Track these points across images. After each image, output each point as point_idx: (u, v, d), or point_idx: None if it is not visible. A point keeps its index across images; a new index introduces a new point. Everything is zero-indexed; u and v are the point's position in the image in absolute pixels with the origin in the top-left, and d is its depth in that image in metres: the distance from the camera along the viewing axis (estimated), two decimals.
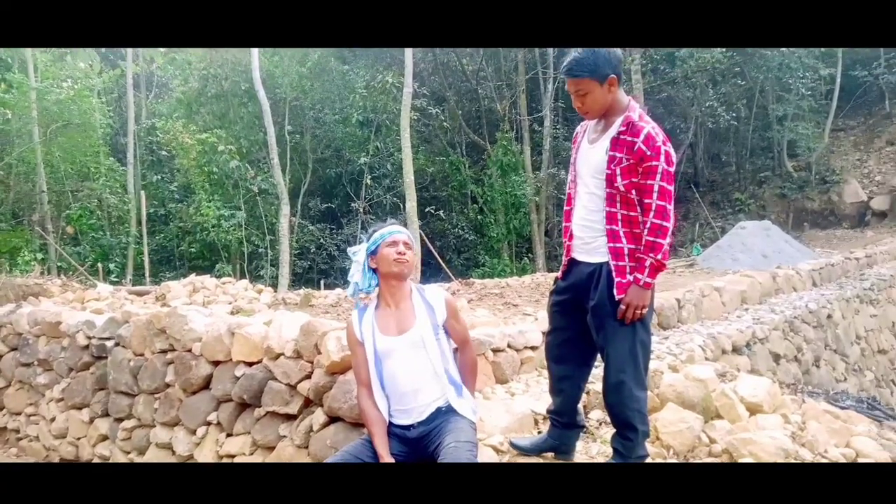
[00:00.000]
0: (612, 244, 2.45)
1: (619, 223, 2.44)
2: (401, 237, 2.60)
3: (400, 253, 2.55)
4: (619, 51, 2.48)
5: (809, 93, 19.62)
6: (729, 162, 23.72)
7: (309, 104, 20.13)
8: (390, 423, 2.54)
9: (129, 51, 19.69)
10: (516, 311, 6.68)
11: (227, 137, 18.16)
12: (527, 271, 17.21)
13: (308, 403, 3.30)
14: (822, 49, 18.71)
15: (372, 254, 2.59)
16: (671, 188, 2.38)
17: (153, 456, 4.09)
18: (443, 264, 15.42)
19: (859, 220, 20.10)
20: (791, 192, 21.07)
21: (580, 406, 2.81)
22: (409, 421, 2.52)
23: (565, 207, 2.74)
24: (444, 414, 2.50)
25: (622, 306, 2.40)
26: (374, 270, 2.60)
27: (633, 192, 2.40)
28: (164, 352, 4.20)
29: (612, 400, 2.50)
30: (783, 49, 18.05)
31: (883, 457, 3.03)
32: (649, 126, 2.39)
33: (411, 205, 13.41)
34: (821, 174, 20.96)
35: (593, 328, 2.50)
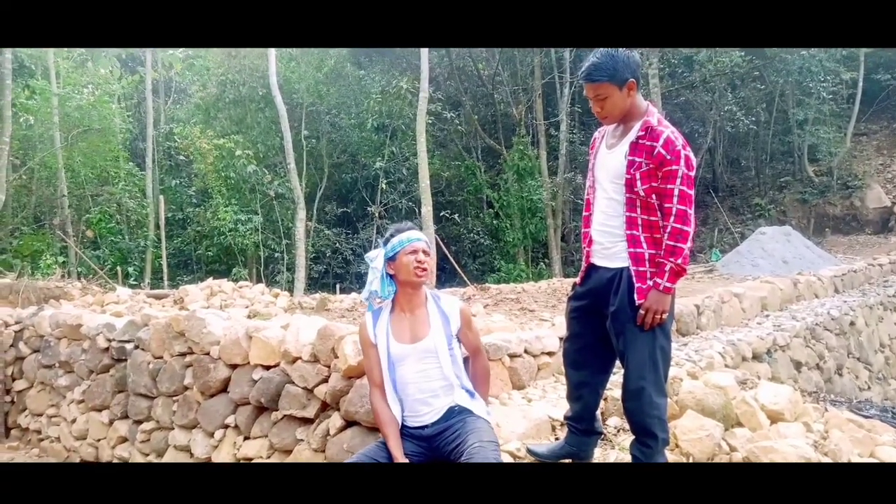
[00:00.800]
0: (632, 249, 2.43)
1: (640, 228, 2.43)
2: (420, 245, 2.57)
3: (419, 262, 2.54)
4: (636, 55, 2.46)
5: (830, 97, 19.35)
6: (748, 167, 23.45)
7: (325, 109, 20.26)
8: (403, 425, 2.55)
9: (149, 57, 19.97)
10: (533, 317, 6.64)
11: (244, 142, 18.33)
12: (543, 276, 17.13)
13: (325, 407, 3.31)
14: (844, 52, 18.47)
15: (390, 259, 2.56)
16: (691, 192, 2.36)
17: (171, 458, 4.12)
18: (458, 269, 15.39)
19: (882, 226, 19.75)
20: (812, 197, 20.77)
21: (598, 413, 2.78)
22: (423, 423, 2.52)
23: (584, 213, 2.73)
24: (459, 413, 2.51)
25: (641, 311, 2.38)
26: (392, 276, 2.58)
27: (653, 196, 2.39)
28: (182, 355, 4.24)
29: (632, 406, 2.47)
30: (803, 52, 17.83)
31: None
32: (668, 130, 2.38)
33: (427, 209, 13.42)
34: (843, 179, 20.64)
35: (613, 334, 2.47)
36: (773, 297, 7.16)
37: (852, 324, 7.47)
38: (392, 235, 2.61)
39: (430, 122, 16.42)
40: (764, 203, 21.43)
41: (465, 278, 14.36)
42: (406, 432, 2.54)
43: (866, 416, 4.21)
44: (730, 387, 3.14)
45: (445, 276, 16.88)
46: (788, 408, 2.98)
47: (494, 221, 19.08)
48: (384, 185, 19.09)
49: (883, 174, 21.19)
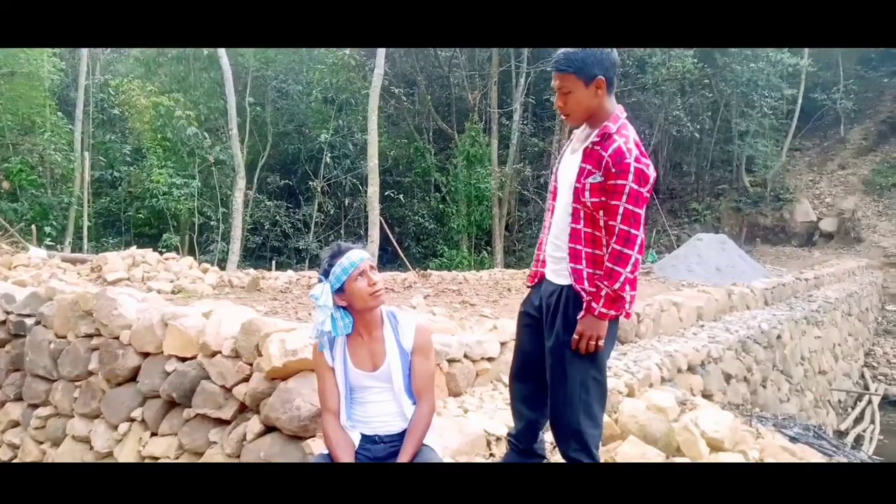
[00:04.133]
0: (573, 265, 2.24)
1: (583, 242, 2.22)
2: (365, 264, 2.24)
3: (373, 284, 2.23)
4: (614, 53, 2.23)
5: (771, 111, 20.05)
6: (689, 172, 24.13)
7: (272, 75, 19.45)
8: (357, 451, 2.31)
9: None
10: (473, 311, 6.49)
11: (185, 102, 17.36)
12: (485, 265, 17.09)
13: (243, 409, 3.03)
14: (790, 69, 19.10)
15: (338, 291, 2.23)
16: (640, 212, 2.11)
17: (68, 449, 3.74)
18: (400, 252, 15.14)
19: (808, 240, 20.74)
20: (746, 206, 21.59)
21: (542, 435, 2.61)
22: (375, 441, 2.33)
23: (547, 219, 2.52)
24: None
25: (575, 336, 2.20)
26: (345, 308, 2.27)
27: (601, 211, 2.17)
28: (88, 336, 3.85)
29: (563, 447, 2.32)
30: (752, 65, 18.34)
31: None
32: (622, 140, 2.13)
33: (373, 189, 13.05)
34: (775, 191, 21.54)
35: (547, 364, 2.32)
36: (709, 306, 7.27)
37: (779, 337, 7.68)
38: (330, 265, 2.24)
39: (382, 98, 15.97)
40: (701, 208, 22.12)
41: (407, 262, 14.12)
42: (360, 454, 2.30)
43: (792, 438, 4.28)
44: (670, 408, 3.06)
45: (387, 258, 16.58)
46: (728, 436, 2.92)
47: (441, 206, 18.89)
48: (328, 160, 18.52)
49: (812, 190, 22.24)
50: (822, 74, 22.46)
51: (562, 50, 2.21)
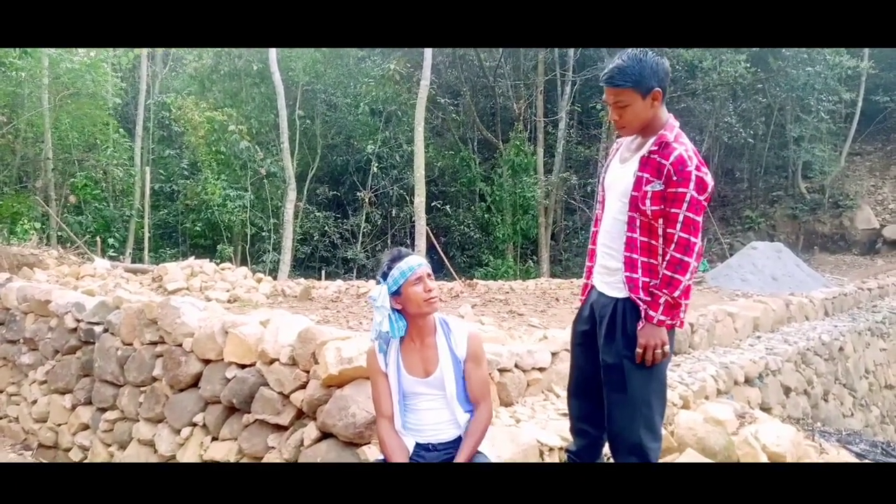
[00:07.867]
0: (628, 273, 2.24)
1: (638, 251, 2.21)
2: (423, 270, 2.30)
3: (428, 290, 2.28)
4: (666, 62, 2.24)
5: (828, 116, 19.32)
6: (742, 178, 23.43)
7: (321, 88, 19.89)
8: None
9: None
10: (521, 321, 6.48)
11: (237, 117, 17.93)
12: (530, 274, 17.00)
13: (300, 415, 3.11)
14: (848, 71, 18.38)
15: (395, 294, 2.29)
16: (699, 219, 2.13)
17: (134, 452, 3.90)
18: (446, 261, 15.21)
19: (870, 248, 19.83)
20: (803, 213, 20.80)
21: (603, 453, 2.58)
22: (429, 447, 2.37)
23: (592, 228, 2.53)
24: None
25: (639, 350, 2.19)
26: (400, 311, 2.32)
27: (660, 220, 2.17)
28: (153, 343, 4.01)
29: (622, 462, 2.30)
30: (809, 69, 17.73)
31: None
32: (682, 148, 2.15)
33: (420, 200, 13.18)
34: (834, 198, 20.69)
35: (604, 381, 2.31)
36: (766, 317, 7.05)
37: (841, 349, 7.39)
38: (389, 267, 2.30)
39: (427, 109, 16.13)
40: (755, 216, 21.43)
41: (453, 271, 14.17)
42: (413, 460, 2.35)
43: (858, 454, 4.10)
44: (729, 421, 2.99)
45: (433, 267, 16.56)
46: (791, 450, 2.84)
47: (486, 215, 18.89)
48: (376, 170, 18.79)
49: (874, 196, 21.27)
50: (885, 76, 21.50)
51: (613, 64, 2.21)
